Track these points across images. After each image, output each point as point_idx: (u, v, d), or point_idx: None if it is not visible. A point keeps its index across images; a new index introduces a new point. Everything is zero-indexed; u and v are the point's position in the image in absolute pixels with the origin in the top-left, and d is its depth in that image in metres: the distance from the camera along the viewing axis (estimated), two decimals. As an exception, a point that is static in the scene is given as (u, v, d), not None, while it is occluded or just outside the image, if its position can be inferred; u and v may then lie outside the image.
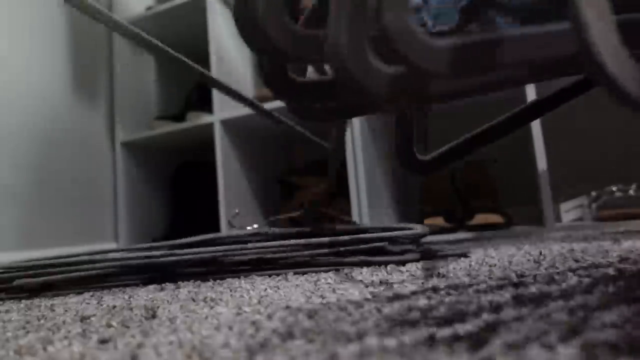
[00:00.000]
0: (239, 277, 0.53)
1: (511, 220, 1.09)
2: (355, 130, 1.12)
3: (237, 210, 0.94)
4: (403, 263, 0.54)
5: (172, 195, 1.57)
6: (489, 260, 0.49)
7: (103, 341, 0.26)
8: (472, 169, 1.21)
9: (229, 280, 0.52)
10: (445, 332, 0.22)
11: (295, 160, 1.59)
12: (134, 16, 1.49)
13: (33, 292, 0.54)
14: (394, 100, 0.20)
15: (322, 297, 0.34)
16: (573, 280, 0.33)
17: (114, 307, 0.39)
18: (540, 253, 0.52)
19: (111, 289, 0.53)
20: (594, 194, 0.99)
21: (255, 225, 0.70)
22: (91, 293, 0.50)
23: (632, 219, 0.92)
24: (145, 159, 1.54)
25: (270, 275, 0.53)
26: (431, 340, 0.20)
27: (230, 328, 0.26)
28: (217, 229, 1.49)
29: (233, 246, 0.55)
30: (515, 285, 0.33)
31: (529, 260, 0.47)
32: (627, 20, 0.23)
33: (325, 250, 0.55)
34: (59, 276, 0.54)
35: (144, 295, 0.45)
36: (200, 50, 1.72)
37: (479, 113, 1.34)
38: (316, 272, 0.52)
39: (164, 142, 1.51)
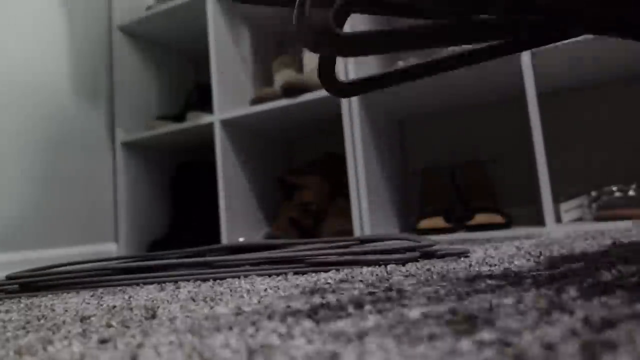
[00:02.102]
0: (239, 277, 0.53)
1: (511, 220, 1.09)
2: (356, 130, 1.12)
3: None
4: (403, 263, 0.54)
5: (172, 195, 1.57)
6: (489, 260, 0.49)
7: (103, 341, 0.26)
8: (472, 169, 1.21)
9: (229, 280, 0.52)
10: (445, 332, 0.22)
11: (295, 160, 1.59)
12: (134, 16, 1.49)
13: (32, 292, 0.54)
14: None
15: (322, 297, 0.34)
16: (573, 280, 0.33)
17: (114, 307, 0.39)
18: (540, 253, 0.52)
19: (111, 288, 0.53)
20: (594, 194, 0.99)
21: (242, 239, 0.70)
22: (91, 293, 0.50)
23: (632, 219, 0.92)
24: (145, 159, 1.54)
25: (270, 275, 0.53)
26: (432, 340, 0.20)
27: (230, 328, 0.26)
28: (216, 229, 1.49)
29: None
30: (515, 285, 0.33)
31: (529, 260, 0.47)
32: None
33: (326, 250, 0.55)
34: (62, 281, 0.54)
35: (144, 295, 0.45)
36: (200, 50, 1.72)
37: (478, 113, 1.34)
38: (316, 272, 0.52)
39: (164, 142, 1.51)
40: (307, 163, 1.39)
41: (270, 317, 0.28)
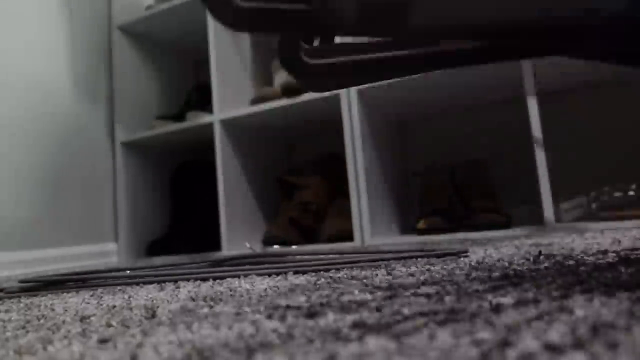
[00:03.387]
0: (238, 277, 0.53)
1: (511, 220, 1.09)
2: (356, 130, 1.12)
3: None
4: (403, 262, 0.54)
5: (172, 195, 1.57)
6: (488, 260, 0.49)
7: (103, 341, 0.26)
8: (472, 169, 1.21)
9: (229, 280, 0.52)
10: (445, 331, 0.22)
11: (295, 160, 1.59)
12: (134, 16, 1.49)
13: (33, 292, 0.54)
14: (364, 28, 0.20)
15: (322, 297, 0.34)
16: (573, 280, 0.33)
17: (114, 307, 0.39)
18: (540, 253, 0.52)
19: (111, 288, 0.53)
20: (594, 194, 0.99)
21: (248, 245, 0.71)
22: (91, 293, 0.50)
23: (632, 219, 0.92)
24: (145, 159, 1.54)
25: (270, 275, 0.53)
26: (431, 340, 0.20)
27: (230, 328, 0.26)
28: (216, 229, 1.49)
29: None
30: (515, 285, 0.33)
31: (529, 260, 0.47)
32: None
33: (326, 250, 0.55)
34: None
35: (144, 295, 0.45)
36: (200, 50, 1.73)
37: (478, 113, 1.34)
38: (316, 271, 0.52)
39: (164, 142, 1.51)
40: (307, 163, 1.39)
41: (270, 317, 0.28)
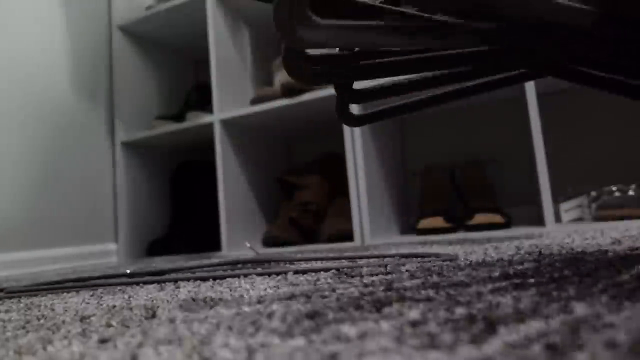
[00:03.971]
0: (238, 277, 0.53)
1: (511, 220, 1.09)
2: (356, 130, 1.12)
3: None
4: (402, 262, 0.54)
5: (172, 195, 1.57)
6: (488, 260, 0.49)
7: (103, 341, 0.26)
8: (472, 169, 1.21)
9: (229, 280, 0.52)
10: (444, 332, 0.22)
11: (295, 160, 1.59)
12: (134, 16, 1.49)
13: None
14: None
15: (322, 296, 0.34)
16: (573, 280, 0.33)
17: (114, 307, 0.39)
18: (540, 253, 0.52)
19: (111, 288, 0.53)
20: (594, 194, 0.99)
21: (248, 244, 0.71)
22: (91, 293, 0.50)
23: (632, 219, 0.92)
24: (145, 159, 1.54)
25: (270, 275, 0.53)
26: (431, 340, 0.20)
27: (230, 328, 0.26)
28: (216, 229, 1.49)
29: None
30: (515, 285, 0.33)
31: (529, 260, 0.47)
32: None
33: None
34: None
35: (144, 295, 0.45)
36: (200, 50, 1.73)
37: (478, 113, 1.34)
38: (316, 272, 0.52)
39: (164, 142, 1.51)
40: (307, 163, 1.39)
41: (270, 317, 0.28)
